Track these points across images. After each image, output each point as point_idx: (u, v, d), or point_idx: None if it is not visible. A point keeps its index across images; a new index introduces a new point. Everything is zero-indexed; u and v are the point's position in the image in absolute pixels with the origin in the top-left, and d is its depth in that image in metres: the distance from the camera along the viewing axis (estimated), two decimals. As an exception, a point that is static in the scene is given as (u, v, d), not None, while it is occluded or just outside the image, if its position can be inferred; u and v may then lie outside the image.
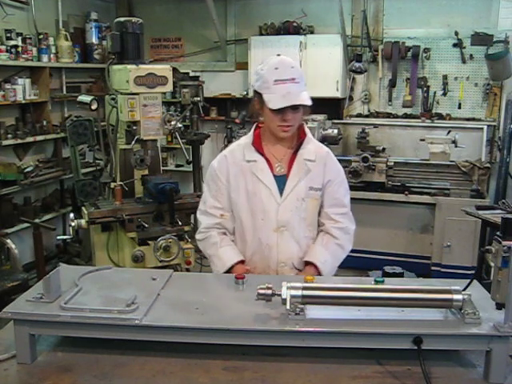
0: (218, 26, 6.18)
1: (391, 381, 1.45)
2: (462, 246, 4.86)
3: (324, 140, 5.12)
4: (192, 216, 3.79)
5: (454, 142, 5.10)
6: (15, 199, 4.97)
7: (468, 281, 1.58)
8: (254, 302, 1.58)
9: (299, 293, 1.51)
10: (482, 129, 5.54)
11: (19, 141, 4.88)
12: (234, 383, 1.45)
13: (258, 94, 2.12)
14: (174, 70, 4.46)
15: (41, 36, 5.21)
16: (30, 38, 5.05)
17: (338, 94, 5.82)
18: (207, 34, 6.59)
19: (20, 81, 4.92)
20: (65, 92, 5.77)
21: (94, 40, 6.11)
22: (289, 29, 6.00)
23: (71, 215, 3.38)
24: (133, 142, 3.39)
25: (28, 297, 1.58)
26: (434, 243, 5.02)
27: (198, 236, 2.31)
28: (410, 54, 5.69)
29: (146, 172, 3.56)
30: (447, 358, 1.54)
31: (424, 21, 5.75)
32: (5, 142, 4.73)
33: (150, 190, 3.34)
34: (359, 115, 6.13)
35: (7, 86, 4.76)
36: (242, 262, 2.20)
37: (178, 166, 6.79)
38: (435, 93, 5.75)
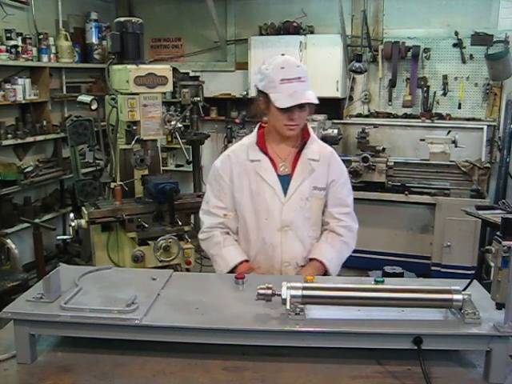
0: (218, 26, 6.18)
1: (391, 381, 1.45)
2: (462, 246, 4.86)
3: (324, 140, 5.09)
4: (192, 216, 3.79)
5: (454, 141, 5.10)
6: (15, 199, 4.97)
7: (468, 281, 1.58)
8: (254, 302, 1.58)
9: (299, 293, 1.51)
10: (482, 129, 5.54)
11: (19, 141, 4.88)
12: (234, 383, 1.45)
13: (263, 93, 2.12)
14: (174, 70, 4.45)
15: (41, 36, 5.21)
16: (30, 38, 5.05)
17: (338, 94, 5.82)
18: (207, 34, 6.59)
19: (20, 81, 4.92)
20: (65, 92, 5.77)
21: (94, 40, 6.11)
22: (289, 29, 6.00)
23: (71, 215, 3.38)
24: (133, 142, 3.39)
25: (28, 297, 1.58)
26: (434, 243, 5.02)
27: (200, 236, 2.30)
28: (410, 54, 5.69)
29: (146, 172, 3.56)
30: (447, 358, 1.54)
31: (424, 21, 5.75)
32: (5, 142, 4.73)
33: (150, 189, 3.34)
34: (359, 115, 6.13)
35: (7, 86, 4.76)
36: (246, 261, 2.20)
37: (178, 165, 6.79)
38: (435, 93, 5.75)
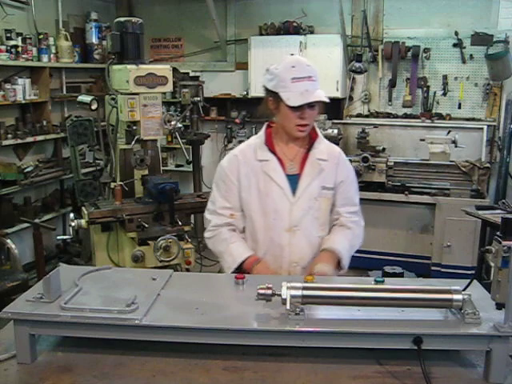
0: (218, 26, 6.18)
1: (391, 381, 1.45)
2: (462, 246, 4.86)
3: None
4: (192, 216, 3.79)
5: (454, 141, 5.10)
6: (15, 199, 4.97)
7: (468, 281, 1.58)
8: (254, 302, 1.58)
9: (299, 293, 1.51)
10: (482, 129, 5.54)
11: (19, 141, 4.88)
12: (234, 383, 1.45)
13: (272, 93, 2.12)
14: (174, 69, 4.46)
15: (41, 36, 5.21)
16: (30, 38, 5.06)
17: (338, 94, 5.82)
18: (207, 34, 6.59)
19: (20, 81, 4.92)
20: (65, 92, 5.77)
21: (94, 40, 6.11)
22: (289, 29, 6.00)
23: (71, 215, 3.38)
24: (133, 142, 3.38)
25: (28, 297, 1.58)
26: (434, 243, 5.03)
27: (206, 234, 2.28)
28: (410, 54, 5.70)
29: (146, 172, 3.55)
30: (447, 358, 1.54)
31: (424, 21, 5.75)
32: (5, 142, 4.73)
33: (150, 190, 3.34)
34: (359, 115, 6.14)
35: (7, 85, 4.77)
36: (253, 257, 2.18)
37: (177, 165, 6.79)
38: (435, 93, 5.75)
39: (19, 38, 4.91)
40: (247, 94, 6.30)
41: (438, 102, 5.79)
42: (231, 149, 6.45)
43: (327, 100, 2.09)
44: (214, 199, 2.27)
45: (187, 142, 5.80)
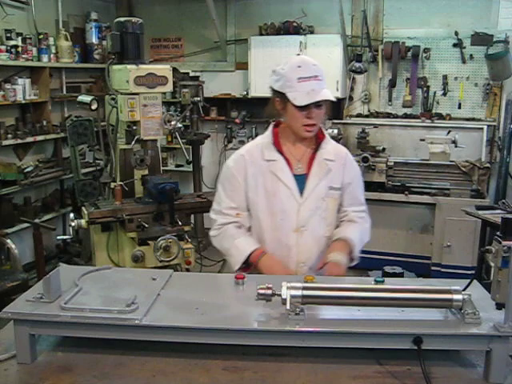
0: (218, 26, 6.18)
1: (391, 381, 1.45)
2: (462, 246, 4.86)
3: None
4: (192, 216, 3.79)
5: (454, 141, 5.10)
6: (15, 199, 4.97)
7: (468, 281, 1.58)
8: (254, 302, 1.58)
9: (299, 293, 1.51)
10: (482, 129, 5.54)
11: (19, 141, 4.88)
12: (234, 383, 1.45)
13: (279, 93, 2.12)
14: (174, 69, 4.45)
15: (41, 36, 5.21)
16: (30, 38, 5.06)
17: (338, 94, 5.82)
18: (207, 34, 6.59)
19: (20, 81, 4.92)
20: (65, 92, 5.77)
21: (94, 40, 6.11)
22: (289, 29, 6.00)
23: (71, 215, 3.38)
24: (133, 142, 3.38)
25: (28, 297, 1.58)
26: (434, 243, 5.03)
27: (212, 233, 2.27)
28: (410, 54, 5.70)
29: (146, 172, 3.55)
30: (447, 358, 1.54)
31: (424, 21, 5.75)
32: (5, 142, 4.73)
33: (150, 190, 3.34)
34: (359, 115, 6.14)
35: (7, 85, 4.77)
36: (260, 250, 2.17)
37: (177, 166, 6.79)
38: (435, 93, 5.75)
39: (19, 38, 4.91)
40: (247, 94, 6.30)
41: (438, 102, 5.79)
42: (231, 149, 6.51)
43: (334, 99, 2.10)
44: (220, 199, 2.26)
45: (187, 142, 5.80)
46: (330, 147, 2.25)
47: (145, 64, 3.44)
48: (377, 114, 6.05)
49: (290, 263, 2.19)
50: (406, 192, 5.14)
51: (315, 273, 2.16)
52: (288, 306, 1.51)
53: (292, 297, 1.51)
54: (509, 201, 4.48)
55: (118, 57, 3.45)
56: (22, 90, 4.92)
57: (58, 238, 4.64)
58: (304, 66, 2.08)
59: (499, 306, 1.46)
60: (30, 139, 5.00)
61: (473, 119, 5.69)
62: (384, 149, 5.51)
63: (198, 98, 5.75)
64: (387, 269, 4.30)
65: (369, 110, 6.13)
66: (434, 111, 5.76)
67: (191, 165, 5.95)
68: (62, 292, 1.61)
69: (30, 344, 1.51)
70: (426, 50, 5.73)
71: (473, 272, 4.60)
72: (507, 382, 1.44)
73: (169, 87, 3.45)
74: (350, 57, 5.94)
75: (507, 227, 1.42)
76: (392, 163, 5.23)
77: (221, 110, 6.65)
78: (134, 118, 3.31)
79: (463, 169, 5.01)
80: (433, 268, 5.04)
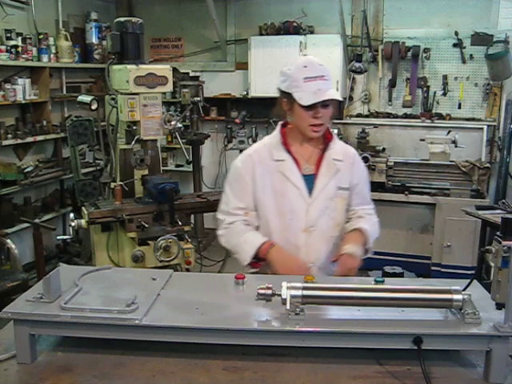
0: (217, 26, 6.18)
1: (391, 381, 1.45)
2: (462, 246, 4.86)
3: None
4: (192, 216, 3.79)
5: (454, 142, 5.10)
6: (15, 199, 4.97)
7: (468, 281, 1.58)
8: (254, 302, 1.58)
9: (299, 293, 1.51)
10: (482, 129, 5.54)
11: (19, 141, 4.88)
12: (234, 383, 1.45)
13: (286, 94, 2.13)
14: (174, 69, 4.45)
15: (41, 36, 5.21)
16: (30, 38, 5.06)
17: (338, 94, 5.81)
18: (207, 34, 6.59)
19: (20, 81, 4.92)
20: (65, 92, 5.77)
21: (94, 40, 6.11)
22: (289, 29, 6.00)
23: (71, 215, 3.38)
24: (133, 142, 3.38)
25: (28, 297, 1.58)
26: (434, 243, 5.03)
27: (220, 232, 2.25)
28: (410, 54, 5.70)
29: (146, 172, 3.55)
30: (447, 358, 1.54)
31: (424, 21, 5.75)
32: (5, 142, 4.73)
33: (150, 190, 3.34)
34: (359, 115, 6.14)
35: (7, 85, 4.77)
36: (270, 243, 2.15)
37: (177, 166, 6.79)
38: (435, 93, 5.75)
39: (19, 38, 4.91)
40: (247, 93, 6.30)
41: (438, 102, 5.79)
42: (231, 149, 6.48)
43: (340, 99, 2.12)
44: (228, 200, 2.25)
45: (187, 142, 5.80)
46: (338, 147, 2.26)
47: (145, 64, 3.44)
48: (377, 114, 6.05)
49: None
50: (406, 192, 5.14)
51: (325, 271, 2.16)
52: (288, 306, 1.51)
53: (292, 297, 1.51)
54: (509, 201, 4.49)
55: (118, 57, 3.45)
56: (22, 90, 4.92)
57: (58, 238, 4.64)
58: (310, 66, 2.08)
59: (499, 306, 1.46)
60: (30, 139, 5.00)
61: (473, 119, 5.69)
62: (384, 149, 5.51)
63: (198, 98, 5.75)
64: (387, 269, 4.29)
65: (369, 110, 6.13)
66: (434, 111, 5.76)
67: (191, 165, 5.95)
68: (62, 292, 1.61)
69: (30, 344, 1.51)
70: (426, 50, 5.73)
71: (473, 272, 4.60)
72: (507, 382, 1.44)
73: (169, 87, 3.45)
74: (350, 57, 5.94)
75: (507, 227, 1.42)
76: (392, 163, 5.23)
77: (221, 110, 6.65)
78: (134, 118, 3.31)
79: (463, 169, 5.01)
80: (433, 268, 5.04)
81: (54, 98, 5.43)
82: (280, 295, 1.52)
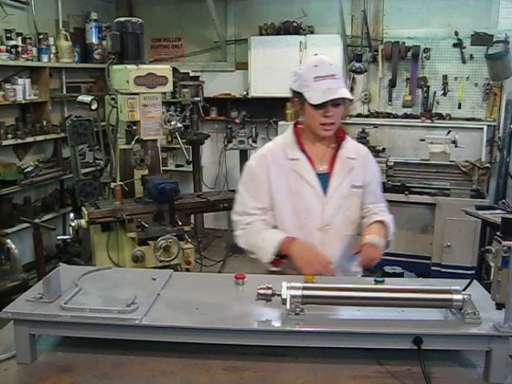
0: (217, 26, 6.18)
1: (391, 381, 1.45)
2: (462, 246, 4.86)
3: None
4: (192, 216, 3.79)
5: (454, 142, 5.10)
6: (15, 199, 4.97)
7: (468, 281, 1.58)
8: (254, 302, 1.58)
9: (299, 293, 1.51)
10: (482, 129, 5.54)
11: (19, 141, 4.88)
12: (234, 383, 1.45)
13: (297, 93, 2.14)
14: (174, 69, 4.46)
15: (41, 36, 5.21)
16: (30, 38, 5.06)
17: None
18: (207, 34, 6.59)
19: (20, 81, 4.92)
20: (65, 92, 5.77)
21: (94, 40, 6.11)
22: (289, 29, 6.01)
23: (71, 215, 3.38)
24: (133, 142, 3.38)
25: (28, 297, 1.58)
26: (434, 243, 5.02)
27: (237, 233, 2.22)
28: (410, 54, 5.70)
29: (146, 172, 3.56)
30: (447, 358, 1.54)
31: (424, 21, 5.75)
32: (5, 142, 4.73)
33: (150, 190, 3.34)
34: (359, 115, 6.14)
35: (7, 85, 4.77)
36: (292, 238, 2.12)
37: (177, 165, 6.79)
38: (435, 93, 5.75)
39: (19, 38, 4.91)
40: (247, 93, 6.30)
41: (438, 102, 5.79)
42: (231, 149, 6.47)
43: (351, 97, 2.12)
44: (243, 201, 2.23)
45: (187, 142, 5.80)
46: (350, 146, 2.27)
47: (145, 64, 3.44)
48: (377, 114, 6.05)
49: None
50: (406, 192, 5.13)
51: (340, 270, 2.14)
52: (288, 306, 1.51)
53: (292, 297, 1.51)
54: (509, 201, 4.48)
55: (118, 57, 3.45)
56: (22, 90, 4.92)
57: (58, 238, 4.64)
58: (320, 65, 2.10)
59: (499, 306, 1.46)
60: (30, 139, 5.00)
61: (473, 119, 5.68)
62: (384, 149, 5.50)
63: (198, 98, 5.75)
64: (387, 269, 4.29)
65: (369, 110, 6.13)
66: (434, 111, 5.76)
67: (191, 165, 5.95)
68: (62, 292, 1.61)
69: (30, 344, 1.52)
70: (426, 50, 5.73)
71: (473, 272, 4.60)
72: (507, 382, 1.44)
73: (169, 87, 3.45)
74: (350, 57, 5.94)
75: (507, 227, 1.42)
76: (392, 163, 5.23)
77: (221, 110, 6.65)
78: (134, 118, 3.31)
79: (463, 169, 5.01)
80: (433, 268, 5.03)
81: (53, 98, 5.43)
82: (280, 295, 1.52)
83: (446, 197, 5.03)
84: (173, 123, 3.41)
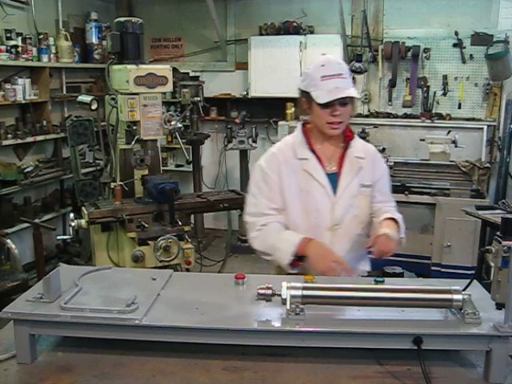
0: (217, 26, 6.18)
1: (391, 381, 1.45)
2: (462, 246, 4.86)
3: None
4: (192, 216, 3.79)
5: (454, 142, 5.10)
6: (15, 199, 4.97)
7: (468, 281, 1.58)
8: (254, 302, 1.58)
9: (299, 293, 1.51)
10: (482, 129, 5.53)
11: (19, 141, 4.88)
12: (234, 383, 1.45)
13: (305, 92, 2.14)
14: (174, 70, 4.46)
15: (41, 36, 5.22)
16: (30, 38, 5.06)
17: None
18: (207, 34, 6.59)
19: (20, 81, 4.92)
20: (65, 92, 5.77)
21: (94, 40, 6.11)
22: (289, 29, 6.01)
23: (71, 215, 3.38)
24: (133, 142, 3.38)
25: (28, 297, 1.58)
26: (434, 243, 5.02)
27: (253, 234, 2.19)
28: (410, 54, 5.70)
29: (146, 172, 3.56)
30: (447, 358, 1.54)
31: (424, 21, 5.75)
32: (5, 142, 4.73)
33: (150, 190, 3.34)
34: (359, 115, 6.13)
35: (7, 85, 4.77)
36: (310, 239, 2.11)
37: (177, 165, 6.79)
38: (435, 93, 5.75)
39: (19, 38, 4.91)
40: (247, 93, 6.31)
41: (438, 102, 5.79)
42: (231, 149, 6.46)
43: (357, 96, 2.13)
44: (257, 202, 2.21)
45: (187, 142, 5.80)
46: (359, 145, 2.27)
47: (145, 64, 3.45)
48: (377, 114, 6.04)
49: None
50: (406, 192, 5.13)
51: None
52: (288, 306, 1.51)
53: (292, 297, 1.51)
54: (509, 201, 4.48)
55: (118, 57, 3.45)
56: (22, 90, 4.92)
57: (58, 238, 4.64)
58: (328, 64, 2.10)
59: (499, 306, 1.46)
60: (30, 139, 5.00)
61: (473, 119, 5.68)
62: (384, 149, 5.50)
63: (198, 98, 5.76)
64: (387, 269, 4.30)
65: (369, 110, 6.13)
66: (434, 111, 5.76)
67: (191, 165, 5.95)
68: (62, 292, 1.61)
69: (30, 344, 1.51)
70: (426, 50, 5.73)
71: (473, 272, 4.60)
72: (507, 382, 1.44)
73: (169, 87, 3.45)
74: (350, 57, 5.94)
75: (507, 227, 1.42)
76: (392, 163, 5.22)
77: (221, 110, 6.65)
78: (134, 118, 3.31)
79: (463, 169, 5.01)
80: (433, 268, 5.03)
81: (53, 98, 5.43)
82: (280, 295, 1.52)
83: (446, 197, 5.03)
84: (173, 123, 3.41)
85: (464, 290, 1.53)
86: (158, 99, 3.40)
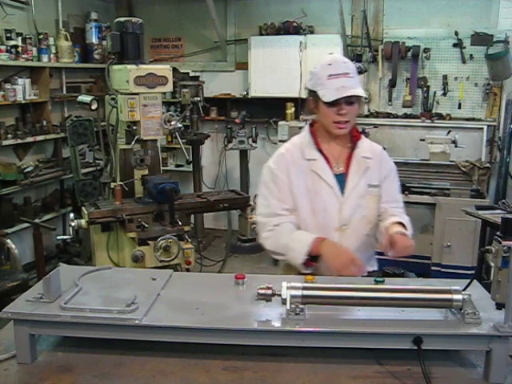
0: (217, 26, 6.18)
1: (391, 381, 1.45)
2: (462, 246, 4.85)
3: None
4: (192, 216, 3.79)
5: (454, 142, 5.09)
6: (15, 199, 4.97)
7: (468, 281, 1.58)
8: (254, 302, 1.58)
9: (299, 293, 1.51)
10: (482, 129, 5.53)
11: (19, 141, 4.88)
12: (234, 383, 1.45)
13: (312, 92, 2.15)
14: (174, 70, 4.46)
15: (41, 36, 5.22)
16: (30, 38, 5.06)
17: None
18: (207, 34, 6.59)
19: (20, 81, 4.92)
20: (65, 92, 5.77)
21: (94, 40, 6.12)
22: (289, 29, 6.01)
23: (71, 215, 3.38)
24: (133, 142, 3.39)
25: (28, 297, 1.58)
26: (434, 243, 5.02)
27: (264, 235, 2.19)
28: (410, 54, 5.70)
29: (146, 172, 3.56)
30: (447, 358, 1.54)
31: (424, 21, 5.75)
32: (5, 142, 4.73)
33: (150, 190, 3.34)
34: (359, 115, 6.13)
35: (7, 85, 4.77)
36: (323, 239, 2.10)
37: (177, 165, 6.79)
38: (435, 93, 5.75)
39: (19, 38, 4.91)
40: (247, 93, 6.31)
41: (438, 102, 5.79)
42: (231, 149, 6.46)
43: (364, 95, 2.13)
44: (268, 202, 2.21)
45: (187, 142, 5.80)
46: (366, 145, 2.28)
47: (145, 64, 3.45)
48: (377, 114, 6.04)
49: None
50: (406, 192, 5.12)
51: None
52: (288, 306, 1.51)
53: (292, 297, 1.51)
54: (509, 201, 4.48)
55: (118, 57, 3.45)
56: (22, 90, 4.92)
57: (58, 237, 4.65)
58: (334, 63, 2.11)
59: (499, 306, 1.46)
60: (30, 139, 5.00)
61: (473, 119, 5.68)
62: (384, 149, 5.48)
63: (198, 98, 5.76)
64: (387, 269, 4.29)
65: (369, 110, 6.13)
66: (434, 111, 5.75)
67: (191, 165, 5.95)
68: (62, 292, 1.61)
69: (30, 344, 1.51)
70: (426, 50, 5.73)
71: (473, 272, 4.60)
72: (507, 382, 1.44)
73: (169, 87, 3.45)
74: (350, 57, 5.94)
75: (507, 227, 1.42)
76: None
77: (221, 110, 6.65)
78: (134, 118, 3.31)
79: (463, 169, 5.01)
80: (433, 268, 5.03)
81: (53, 98, 5.43)
82: (280, 295, 1.52)
83: (446, 197, 5.03)
84: (173, 123, 3.41)
85: (464, 290, 1.53)
86: (158, 99, 3.40)
